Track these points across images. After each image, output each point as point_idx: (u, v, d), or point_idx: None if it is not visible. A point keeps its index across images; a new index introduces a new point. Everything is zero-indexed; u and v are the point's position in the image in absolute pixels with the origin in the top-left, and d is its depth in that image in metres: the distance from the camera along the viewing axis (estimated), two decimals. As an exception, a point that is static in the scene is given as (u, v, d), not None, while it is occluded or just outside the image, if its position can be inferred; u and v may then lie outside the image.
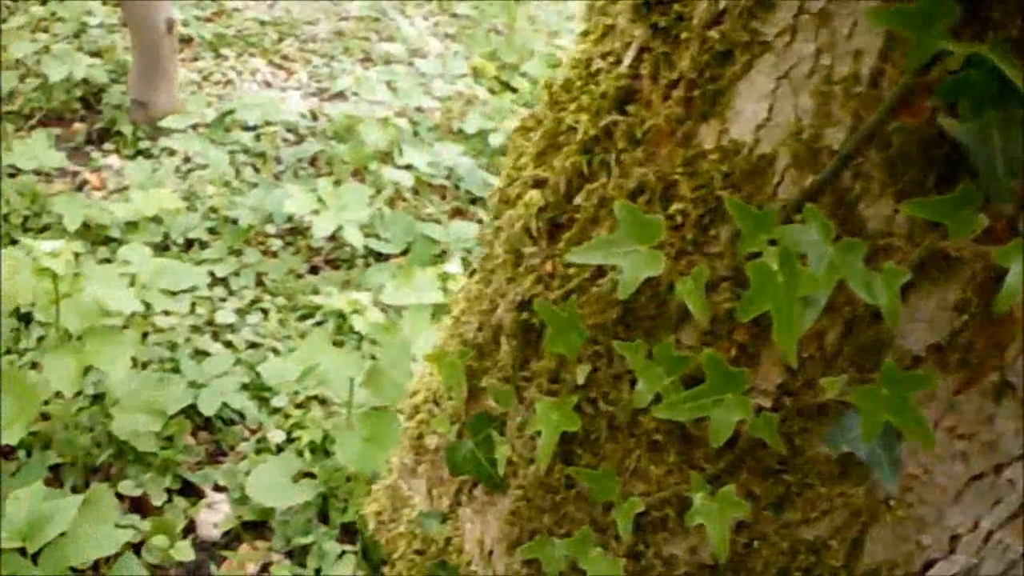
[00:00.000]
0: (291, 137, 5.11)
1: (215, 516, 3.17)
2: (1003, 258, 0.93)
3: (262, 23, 6.35)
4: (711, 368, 1.10)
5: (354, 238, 4.09)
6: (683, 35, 1.12)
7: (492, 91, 5.66)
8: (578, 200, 1.26)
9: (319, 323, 3.96)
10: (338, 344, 3.78)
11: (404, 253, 4.35)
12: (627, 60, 1.20)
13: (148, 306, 3.50)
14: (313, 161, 4.95)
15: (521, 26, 6.41)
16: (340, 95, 5.57)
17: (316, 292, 4.01)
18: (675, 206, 1.13)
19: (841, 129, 1.00)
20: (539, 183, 1.32)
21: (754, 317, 1.03)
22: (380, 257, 4.36)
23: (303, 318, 4.02)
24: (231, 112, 4.99)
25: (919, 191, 0.97)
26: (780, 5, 1.02)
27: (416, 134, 5.12)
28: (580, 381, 1.27)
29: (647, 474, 1.26)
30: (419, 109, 5.35)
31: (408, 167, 4.59)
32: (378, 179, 4.62)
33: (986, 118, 0.90)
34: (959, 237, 0.94)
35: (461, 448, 1.54)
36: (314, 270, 4.35)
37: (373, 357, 3.09)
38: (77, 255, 3.41)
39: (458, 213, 4.74)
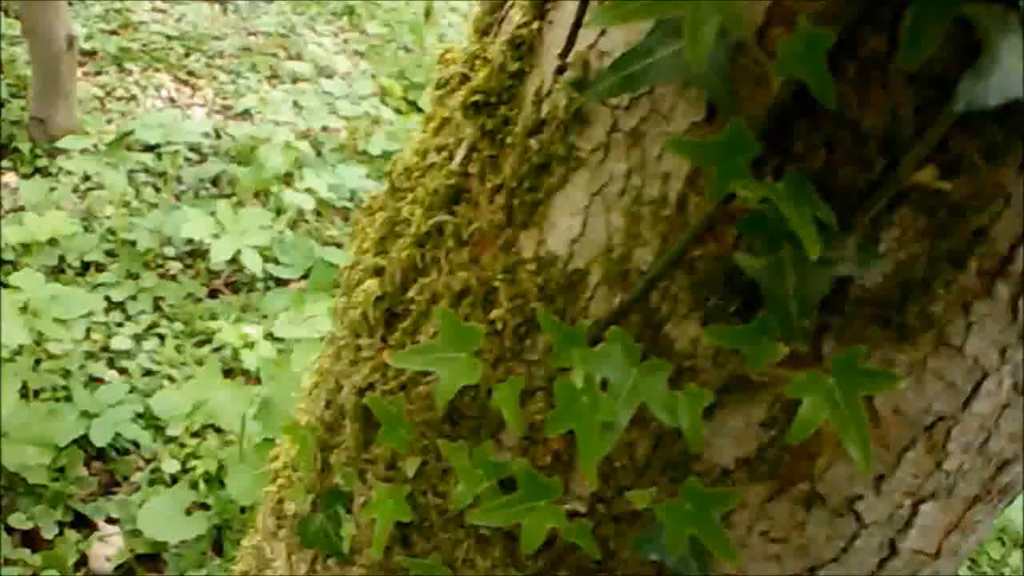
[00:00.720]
0: (194, 156, 5.05)
1: (108, 549, 3.15)
2: (796, 391, 0.93)
3: (168, 37, 6.25)
4: (523, 477, 1.11)
5: (253, 263, 4.06)
6: (508, 140, 1.12)
7: (399, 111, 5.65)
8: (412, 293, 1.26)
9: (217, 349, 3.94)
10: (235, 373, 3.77)
11: (304, 277, 4.34)
12: (458, 158, 1.20)
13: (40, 334, 3.46)
14: (215, 181, 4.90)
15: (431, 44, 6.39)
16: (245, 113, 5.52)
17: (214, 317, 3.98)
18: (495, 312, 1.13)
19: (649, 250, 1.00)
20: (378, 271, 1.32)
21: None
22: (280, 282, 4.35)
23: (200, 344, 4.00)
24: (131, 132, 4.92)
25: (722, 317, 0.98)
26: (595, 121, 1.03)
27: (319, 155, 5.10)
28: (410, 474, 1.28)
29: (476, 565, 1.27)
30: (324, 129, 5.32)
31: (309, 190, 4.57)
32: (280, 201, 4.59)
33: (781, 255, 0.89)
34: (758, 365, 0.95)
35: (313, 521, 1.54)
36: (213, 294, 4.32)
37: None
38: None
39: (361, 235, 4.72)
